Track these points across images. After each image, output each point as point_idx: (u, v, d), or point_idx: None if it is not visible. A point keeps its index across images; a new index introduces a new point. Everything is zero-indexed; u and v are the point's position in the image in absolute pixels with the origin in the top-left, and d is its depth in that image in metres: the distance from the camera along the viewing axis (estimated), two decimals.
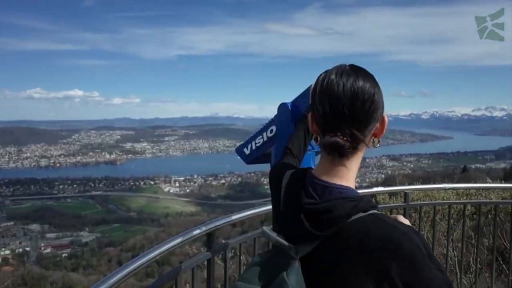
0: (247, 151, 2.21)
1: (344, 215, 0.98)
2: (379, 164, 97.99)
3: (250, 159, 2.21)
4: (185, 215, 70.93)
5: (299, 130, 1.59)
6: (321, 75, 1.09)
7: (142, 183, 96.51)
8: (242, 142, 2.24)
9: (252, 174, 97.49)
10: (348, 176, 1.07)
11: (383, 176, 77.01)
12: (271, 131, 2.05)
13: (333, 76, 1.04)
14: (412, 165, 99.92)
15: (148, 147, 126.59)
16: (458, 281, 3.70)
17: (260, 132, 2.12)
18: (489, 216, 4.43)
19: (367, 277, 0.94)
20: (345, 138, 1.01)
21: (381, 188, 3.39)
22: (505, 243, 4.75)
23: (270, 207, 2.68)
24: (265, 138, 2.09)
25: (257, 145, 2.14)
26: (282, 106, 1.94)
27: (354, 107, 1.01)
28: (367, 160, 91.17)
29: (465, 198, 4.40)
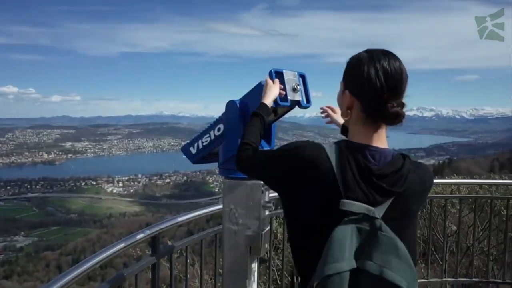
0: (193, 150, 2.13)
1: (408, 171, 1.19)
2: None
3: (196, 159, 2.14)
4: (129, 216, 68.97)
5: (256, 125, 1.59)
6: (360, 57, 1.27)
7: (83, 183, 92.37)
8: (188, 141, 2.16)
9: (198, 173, 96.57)
10: (386, 141, 1.27)
11: None
12: (219, 129, 2.01)
13: (383, 56, 1.24)
14: None
15: (90, 146, 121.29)
16: None
17: (207, 131, 2.07)
18: (424, 210, 4.67)
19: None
20: (401, 108, 1.22)
21: None
22: (437, 235, 5.05)
23: (217, 207, 2.68)
24: (212, 137, 2.05)
25: (204, 144, 2.08)
26: (231, 104, 1.92)
27: (403, 82, 1.25)
28: None
29: None
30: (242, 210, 1.98)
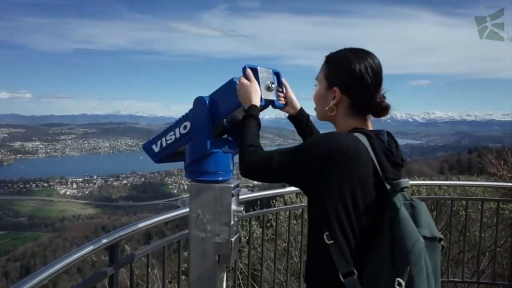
0: (156, 148, 1.97)
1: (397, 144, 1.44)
2: None
3: (159, 157, 1.98)
4: (83, 218, 66.44)
5: (255, 128, 1.55)
6: (346, 56, 1.39)
7: (33, 185, 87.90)
8: (151, 138, 2.00)
9: (156, 174, 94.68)
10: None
11: None
12: (185, 127, 1.85)
13: (367, 55, 1.39)
14: None
15: (41, 146, 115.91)
16: None
17: (171, 128, 1.90)
18: None
19: None
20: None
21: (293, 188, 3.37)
22: None
23: (180, 212, 2.52)
24: (178, 135, 1.88)
25: (168, 142, 1.92)
26: (199, 100, 1.77)
27: (382, 77, 1.41)
28: None
29: None
30: (211, 216, 1.83)
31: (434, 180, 6.54)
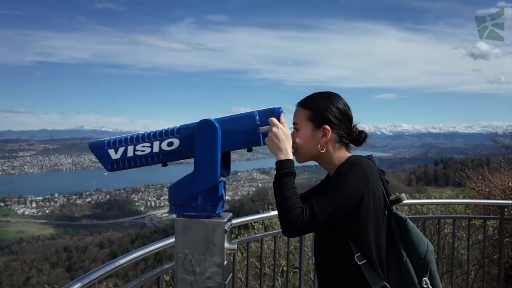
0: (114, 155, 1.65)
1: None
2: (250, 177, 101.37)
3: (115, 166, 1.66)
4: (43, 239, 63.43)
5: (294, 186, 1.49)
6: (327, 98, 1.57)
7: None
8: (107, 139, 1.68)
9: (122, 191, 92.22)
10: None
11: (254, 189, 79.87)
12: (170, 144, 1.60)
13: (338, 95, 1.60)
14: None
15: None
16: None
17: (147, 138, 1.63)
18: None
19: None
20: None
21: None
22: None
23: (161, 244, 2.23)
24: (156, 149, 1.61)
25: (139, 153, 1.63)
26: (210, 125, 1.54)
27: None
28: (239, 173, 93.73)
29: None
30: (200, 256, 1.56)
31: (413, 195, 6.49)
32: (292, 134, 1.55)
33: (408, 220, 1.48)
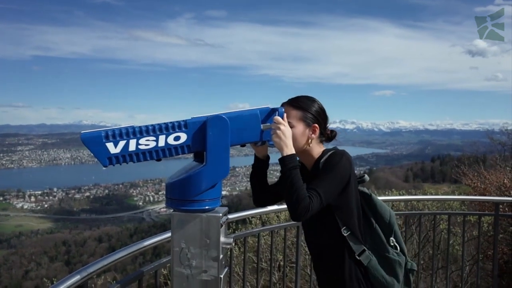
0: (114, 149, 1.54)
1: None
2: (248, 173, 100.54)
3: (114, 161, 1.55)
4: (42, 233, 63.46)
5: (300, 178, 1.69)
6: (311, 100, 1.81)
7: None
8: (103, 131, 1.56)
9: (120, 185, 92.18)
10: None
11: None
12: (177, 138, 1.57)
13: (315, 98, 1.84)
14: (278, 174, 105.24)
15: None
16: None
17: (152, 131, 1.56)
18: None
19: None
20: None
21: (275, 207, 3.18)
22: None
23: (159, 238, 2.26)
24: (162, 143, 1.56)
25: (142, 147, 1.56)
26: (222, 120, 1.59)
27: None
28: (237, 169, 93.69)
29: None
30: (196, 250, 1.59)
31: (410, 191, 6.52)
32: None
33: (373, 195, 1.81)
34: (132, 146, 1.54)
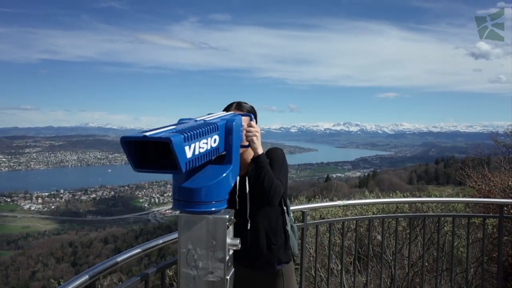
0: (189, 152, 1.39)
1: None
2: None
3: (188, 167, 1.41)
4: (49, 235, 63.76)
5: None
6: (246, 104, 2.19)
7: None
8: (181, 130, 1.39)
9: (126, 187, 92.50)
10: None
11: None
12: (215, 141, 1.59)
13: None
14: None
15: (4, 160, 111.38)
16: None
17: (205, 134, 1.49)
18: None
19: None
20: None
21: None
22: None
23: (165, 239, 2.30)
24: (209, 147, 1.52)
25: (201, 151, 1.48)
26: (241, 122, 1.82)
27: None
28: None
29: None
30: (203, 251, 1.63)
31: (414, 194, 6.53)
32: None
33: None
34: (197, 150, 1.45)
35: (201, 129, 1.48)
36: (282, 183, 2.05)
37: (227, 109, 2.14)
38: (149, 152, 1.45)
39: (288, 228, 2.26)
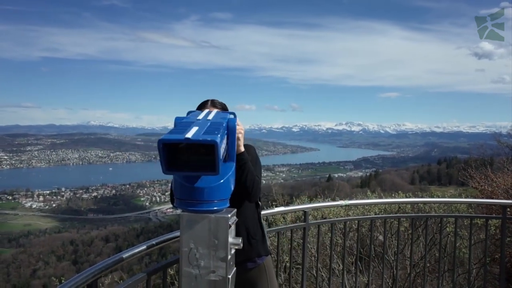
0: (223, 149, 1.47)
1: None
2: None
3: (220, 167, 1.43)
4: (50, 233, 63.93)
5: None
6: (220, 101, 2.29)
7: None
8: (206, 129, 1.44)
9: (127, 186, 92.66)
10: None
11: None
12: (226, 141, 1.63)
13: None
14: (284, 175, 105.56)
15: (6, 157, 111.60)
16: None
17: (224, 134, 1.54)
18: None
19: None
20: None
21: (282, 208, 3.21)
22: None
23: (167, 237, 2.29)
24: (223, 147, 1.56)
25: (222, 150, 1.50)
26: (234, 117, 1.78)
27: None
28: None
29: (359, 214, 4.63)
30: (205, 250, 1.62)
31: (416, 194, 6.51)
32: None
33: None
34: (222, 150, 1.47)
35: (222, 130, 1.51)
36: (259, 178, 2.11)
37: (202, 106, 2.20)
38: (176, 153, 1.43)
39: (263, 221, 2.32)
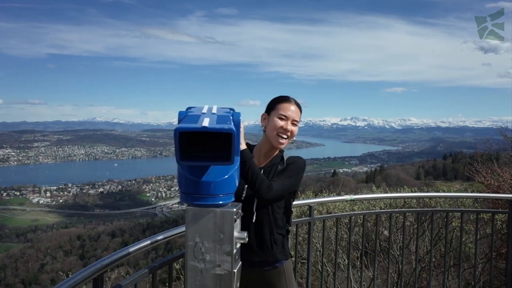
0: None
1: None
2: None
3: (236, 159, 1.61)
4: (57, 228, 64.43)
5: None
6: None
7: (4, 194, 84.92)
8: (219, 119, 1.51)
9: (133, 181, 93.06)
10: None
11: None
12: None
13: None
14: None
15: (13, 154, 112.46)
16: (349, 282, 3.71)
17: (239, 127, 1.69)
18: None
19: None
20: None
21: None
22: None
23: (174, 232, 2.31)
24: None
25: None
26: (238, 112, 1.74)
27: None
28: None
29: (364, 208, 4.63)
30: (210, 244, 1.63)
31: (422, 189, 6.49)
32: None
33: None
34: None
35: (230, 122, 1.52)
36: (282, 184, 2.06)
37: (283, 100, 2.25)
38: (190, 142, 1.50)
39: (290, 228, 2.30)
